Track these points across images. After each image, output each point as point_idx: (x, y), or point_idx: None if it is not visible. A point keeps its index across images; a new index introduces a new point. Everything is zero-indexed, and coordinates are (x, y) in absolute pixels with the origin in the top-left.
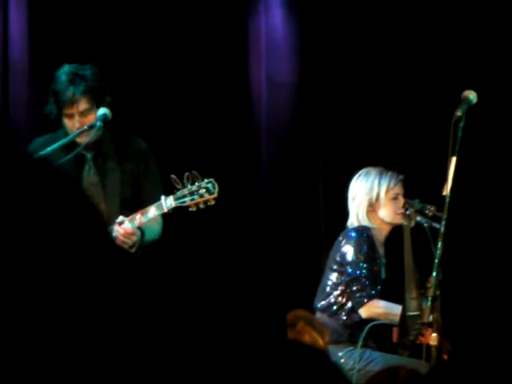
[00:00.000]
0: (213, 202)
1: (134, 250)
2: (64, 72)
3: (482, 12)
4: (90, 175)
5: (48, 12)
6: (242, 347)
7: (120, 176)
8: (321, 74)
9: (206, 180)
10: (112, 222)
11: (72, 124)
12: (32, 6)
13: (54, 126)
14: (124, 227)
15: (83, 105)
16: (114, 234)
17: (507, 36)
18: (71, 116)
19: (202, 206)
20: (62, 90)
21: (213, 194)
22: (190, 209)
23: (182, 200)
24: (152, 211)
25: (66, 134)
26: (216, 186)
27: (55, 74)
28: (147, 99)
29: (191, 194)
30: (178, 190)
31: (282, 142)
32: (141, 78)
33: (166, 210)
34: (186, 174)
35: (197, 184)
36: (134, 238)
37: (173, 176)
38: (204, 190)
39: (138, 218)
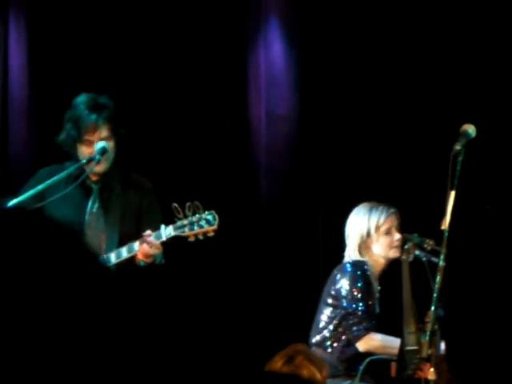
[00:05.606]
0: (212, 234)
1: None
2: (84, 100)
3: (481, 46)
4: (93, 206)
5: (48, 49)
6: (238, 381)
7: (122, 210)
8: (320, 108)
9: (206, 212)
10: (111, 251)
11: (90, 151)
12: (32, 43)
13: (64, 156)
14: (150, 240)
15: (104, 132)
16: (113, 261)
17: (506, 70)
18: (90, 143)
19: (201, 237)
20: (84, 116)
21: (213, 225)
22: (189, 239)
23: (182, 230)
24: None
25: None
26: (217, 217)
27: (73, 102)
28: (148, 132)
29: (191, 224)
30: (179, 219)
31: (281, 176)
32: (141, 110)
33: (164, 239)
34: (188, 204)
35: (197, 215)
36: (157, 251)
37: (175, 205)
38: (204, 222)
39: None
